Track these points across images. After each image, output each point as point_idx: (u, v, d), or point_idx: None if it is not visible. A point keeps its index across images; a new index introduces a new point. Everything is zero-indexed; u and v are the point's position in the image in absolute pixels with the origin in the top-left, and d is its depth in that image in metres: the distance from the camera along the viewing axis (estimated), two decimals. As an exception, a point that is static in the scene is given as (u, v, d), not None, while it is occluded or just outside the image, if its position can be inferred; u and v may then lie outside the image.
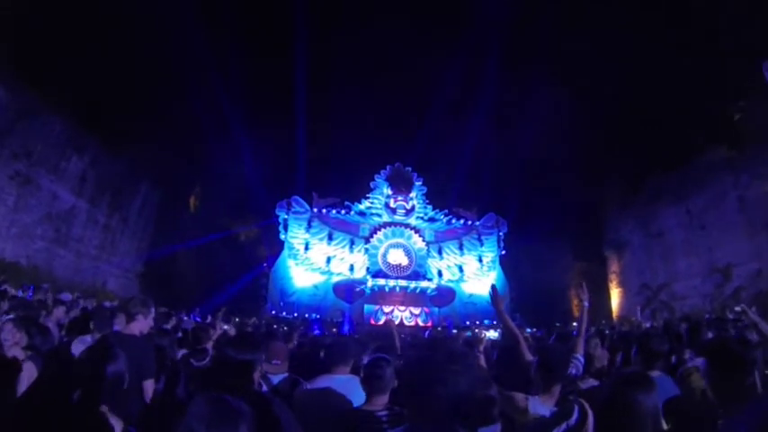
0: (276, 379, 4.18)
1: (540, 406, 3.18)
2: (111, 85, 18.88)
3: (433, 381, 1.86)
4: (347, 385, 3.82)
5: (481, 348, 4.90)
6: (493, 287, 4.83)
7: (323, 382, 3.95)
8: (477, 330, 6.67)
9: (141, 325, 4.60)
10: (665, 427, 2.63)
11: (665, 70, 20.02)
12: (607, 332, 13.03)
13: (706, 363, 2.71)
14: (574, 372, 4.36)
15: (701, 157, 20.78)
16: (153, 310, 4.89)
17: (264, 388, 3.73)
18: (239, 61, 23.60)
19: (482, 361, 4.75)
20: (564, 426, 3.02)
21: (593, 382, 4.66)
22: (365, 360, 3.96)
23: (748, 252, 19.34)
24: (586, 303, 5.00)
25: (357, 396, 3.58)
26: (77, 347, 4.69)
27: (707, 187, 21.11)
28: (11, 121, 16.47)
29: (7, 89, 16.09)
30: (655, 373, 3.69)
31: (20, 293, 12.35)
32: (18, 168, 17.03)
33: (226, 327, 9.07)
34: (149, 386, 4.17)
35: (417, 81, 26.87)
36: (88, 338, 5.23)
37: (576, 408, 3.11)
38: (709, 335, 6.43)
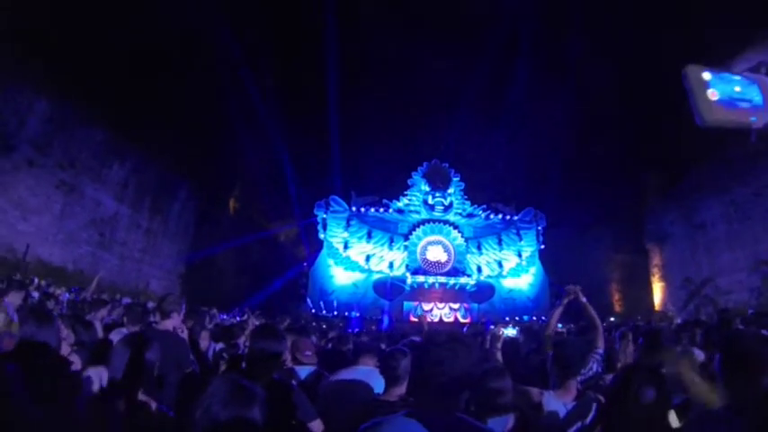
0: (303, 372, 4.40)
1: (555, 401, 3.21)
2: (148, 92, 19.31)
3: (432, 362, 1.95)
4: (369, 376, 3.90)
5: (499, 345, 4.91)
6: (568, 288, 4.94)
7: (346, 374, 4.07)
8: (494, 327, 6.61)
9: (175, 321, 4.78)
10: (676, 423, 2.58)
11: (707, 58, 19.57)
12: (642, 328, 12.75)
13: (720, 358, 2.57)
14: (596, 367, 4.34)
15: (744, 146, 20.22)
16: (184, 307, 5.10)
17: (293, 381, 3.83)
18: (273, 63, 23.93)
19: (499, 356, 4.76)
20: (578, 424, 3.02)
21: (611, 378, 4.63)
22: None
23: None
24: (583, 298, 4.97)
25: (378, 387, 3.66)
26: (115, 337, 4.87)
27: (751, 177, 20.28)
28: (54, 131, 17.05)
29: (50, 101, 16.65)
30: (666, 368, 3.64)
31: (66, 296, 12.81)
32: (63, 177, 17.68)
33: (257, 323, 9.27)
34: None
35: (450, 78, 26.77)
36: (124, 330, 5.44)
37: (595, 405, 3.10)
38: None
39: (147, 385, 2.74)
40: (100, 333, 6.55)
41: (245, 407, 1.92)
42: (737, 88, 0.89)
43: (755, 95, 0.91)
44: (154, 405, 2.69)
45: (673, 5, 19.31)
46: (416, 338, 6.65)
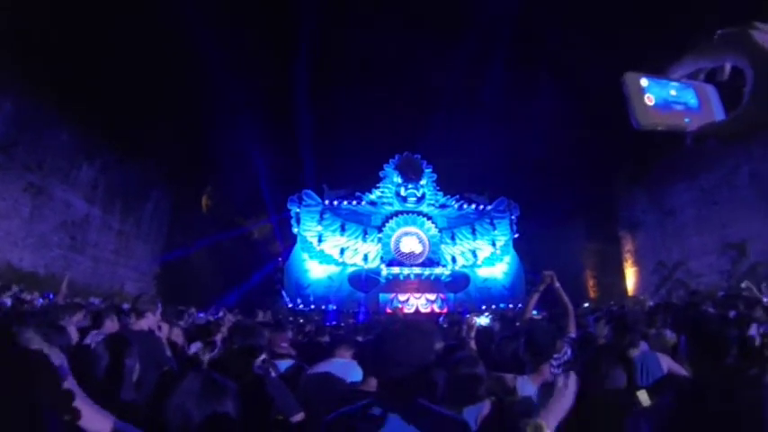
0: (283, 365, 4.47)
1: (529, 385, 3.28)
2: (116, 90, 19.01)
3: (387, 352, 1.98)
4: (345, 368, 3.99)
5: (472, 334, 5.01)
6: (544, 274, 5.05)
7: (323, 366, 4.12)
8: (468, 316, 6.70)
9: (150, 321, 4.80)
10: (646, 402, 2.61)
11: (681, 42, 19.83)
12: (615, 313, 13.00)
13: (685, 340, 2.74)
14: (569, 352, 4.46)
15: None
16: (160, 306, 5.10)
17: (273, 374, 3.89)
18: (245, 57, 23.66)
19: (472, 345, 4.86)
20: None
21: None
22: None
23: (762, 227, 19.08)
24: (557, 283, 5.10)
25: (355, 378, 3.71)
26: (91, 340, 4.87)
27: (718, 162, 20.81)
28: (18, 132, 16.68)
29: (12, 102, 16.30)
30: (637, 350, 3.76)
31: (40, 301, 12.68)
32: (31, 180, 17.26)
33: (234, 320, 9.35)
34: None
35: (425, 68, 26.74)
36: (95, 332, 5.43)
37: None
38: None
39: (126, 389, 2.75)
40: (75, 337, 6.55)
41: (217, 401, 1.92)
42: (673, 92, 0.96)
43: (691, 98, 0.97)
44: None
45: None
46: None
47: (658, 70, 1.08)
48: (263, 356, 3.56)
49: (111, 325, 5.70)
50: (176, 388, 1.97)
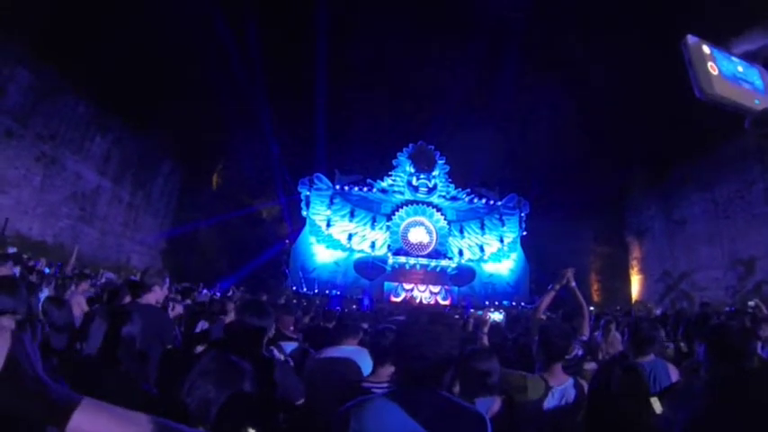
0: (289, 347, 4.43)
1: (541, 385, 3.24)
2: (132, 63, 18.97)
3: (412, 344, 1.94)
4: (356, 355, 3.95)
5: (485, 330, 4.96)
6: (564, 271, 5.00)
7: (330, 352, 4.07)
8: (482, 311, 6.64)
9: (157, 295, 4.75)
10: (659, 410, 2.65)
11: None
12: (620, 318, 12.94)
13: (705, 349, 2.72)
14: (580, 353, 4.42)
15: (729, 144, 20.30)
16: (168, 281, 5.05)
17: (278, 355, 3.84)
18: (261, 39, 23.57)
19: (485, 340, 4.81)
20: (561, 404, 3.11)
21: (594, 364, 4.72)
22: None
23: None
24: (573, 283, 5.03)
25: (365, 365, 3.72)
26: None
27: (733, 176, 20.57)
28: (34, 102, 16.73)
29: (30, 70, 16.33)
30: (648, 358, 3.71)
31: (47, 270, 12.72)
32: (43, 149, 17.37)
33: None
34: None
35: (442, 61, 26.65)
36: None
37: (575, 390, 3.19)
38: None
39: (127, 360, 2.70)
40: (84, 307, 6.56)
41: (236, 383, 1.89)
42: (740, 68, 0.88)
43: (756, 79, 0.90)
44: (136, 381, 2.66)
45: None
46: (402, 318, 6.70)
47: (720, 43, 0.99)
48: (271, 337, 3.53)
49: (126, 299, 5.69)
50: (193, 369, 1.93)
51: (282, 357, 3.86)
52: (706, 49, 0.89)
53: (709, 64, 0.89)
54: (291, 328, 4.54)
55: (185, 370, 1.95)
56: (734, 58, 0.92)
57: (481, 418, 1.95)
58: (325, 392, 3.38)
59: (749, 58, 1.00)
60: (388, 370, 3.19)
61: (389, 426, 1.83)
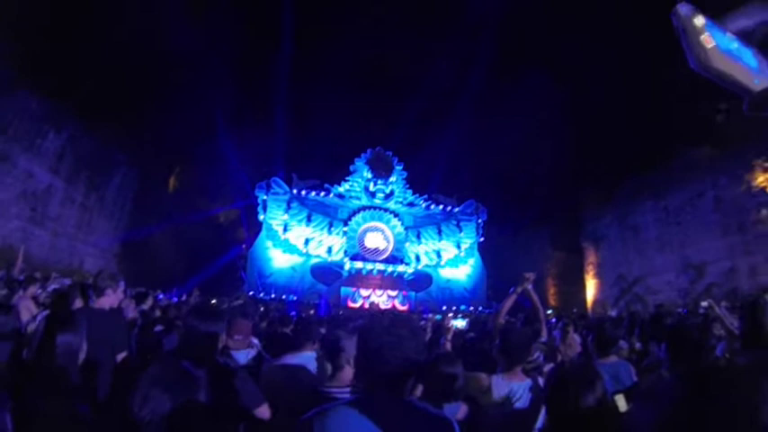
0: (239, 355, 4.34)
1: (503, 384, 3.32)
2: (89, 59, 18.56)
3: (375, 348, 1.89)
4: (312, 362, 3.95)
5: (449, 336, 5.03)
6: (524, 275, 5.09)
7: (289, 359, 4.05)
8: (445, 318, 6.67)
9: (111, 300, 4.66)
10: (624, 408, 2.66)
11: (651, 70, 20.16)
12: (576, 320, 13.21)
13: (665, 347, 2.86)
14: (538, 356, 4.53)
15: (682, 156, 20.99)
16: (122, 284, 4.98)
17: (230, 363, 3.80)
18: (222, 42, 23.39)
19: (448, 346, 4.87)
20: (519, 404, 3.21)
21: (553, 366, 4.83)
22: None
23: (721, 250, 19.72)
24: (530, 285, 5.17)
25: (323, 372, 3.71)
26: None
27: (685, 186, 21.39)
28: (-17, 96, 16.21)
29: (-20, 64, 15.84)
30: (611, 359, 3.82)
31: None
32: (-7, 146, 16.81)
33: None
34: (122, 358, 4.21)
35: (402, 66, 26.77)
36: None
37: (531, 383, 3.29)
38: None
39: (71, 372, 2.49)
40: (33, 311, 6.42)
41: (188, 393, 1.85)
42: (735, 45, 0.88)
43: (750, 59, 0.91)
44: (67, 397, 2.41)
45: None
46: (361, 321, 6.72)
47: (714, 16, 1.00)
48: (223, 345, 3.47)
49: (78, 304, 5.54)
50: (142, 377, 1.89)
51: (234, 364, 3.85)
52: (699, 19, 0.89)
53: (704, 36, 0.89)
54: (238, 336, 4.41)
55: (138, 380, 1.90)
56: (728, 34, 0.93)
57: (449, 423, 1.91)
58: (285, 400, 3.36)
59: (743, 36, 1.00)
60: (348, 374, 3.19)
61: None
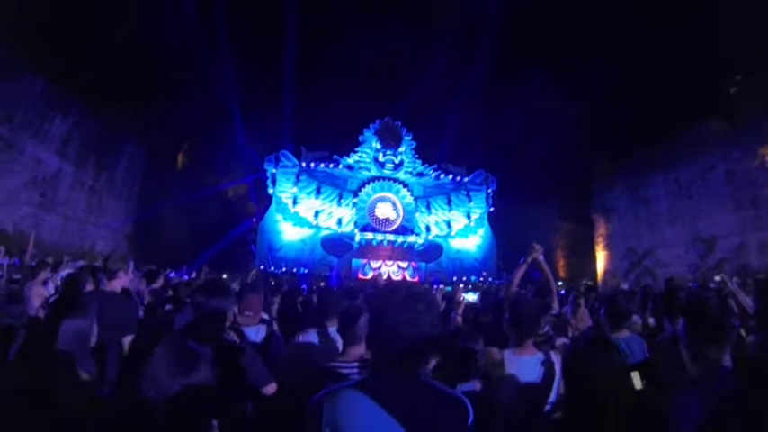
0: (250, 331, 4.21)
1: (515, 359, 3.27)
2: (92, 42, 18.43)
3: (389, 326, 1.82)
4: (336, 337, 3.81)
5: (460, 311, 4.99)
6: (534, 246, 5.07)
7: (311, 336, 4.01)
8: (456, 291, 6.54)
9: (122, 281, 4.69)
10: (638, 385, 2.63)
11: (663, 41, 19.87)
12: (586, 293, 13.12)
13: (684, 323, 2.78)
14: (548, 328, 4.51)
15: (693, 128, 20.75)
16: (132, 265, 4.99)
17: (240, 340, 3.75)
18: (227, 15, 23.23)
19: (459, 320, 4.82)
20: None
21: (564, 340, 4.80)
22: None
23: (733, 225, 19.62)
24: (541, 257, 5.13)
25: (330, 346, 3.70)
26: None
27: (697, 158, 21.21)
28: (-11, 84, 16.19)
29: (-16, 50, 15.80)
30: (623, 333, 3.78)
31: (6, 261, 12.35)
32: (0, 133, 16.84)
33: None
34: (126, 342, 4.23)
35: (410, 37, 26.50)
36: None
37: (543, 356, 3.27)
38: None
39: (82, 357, 2.52)
40: (45, 295, 6.46)
41: (192, 372, 1.81)
42: None
43: None
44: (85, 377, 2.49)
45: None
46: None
47: None
48: (232, 321, 3.42)
49: (89, 287, 5.53)
50: (150, 358, 1.88)
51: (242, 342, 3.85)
52: None
53: None
54: (249, 312, 4.36)
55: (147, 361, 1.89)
56: None
57: (463, 404, 1.83)
58: (300, 377, 3.25)
59: None
60: (359, 349, 3.16)
61: (363, 418, 1.71)
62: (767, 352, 2.85)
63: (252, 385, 3.11)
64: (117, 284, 4.61)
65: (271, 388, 3.20)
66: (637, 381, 2.60)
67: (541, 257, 5.13)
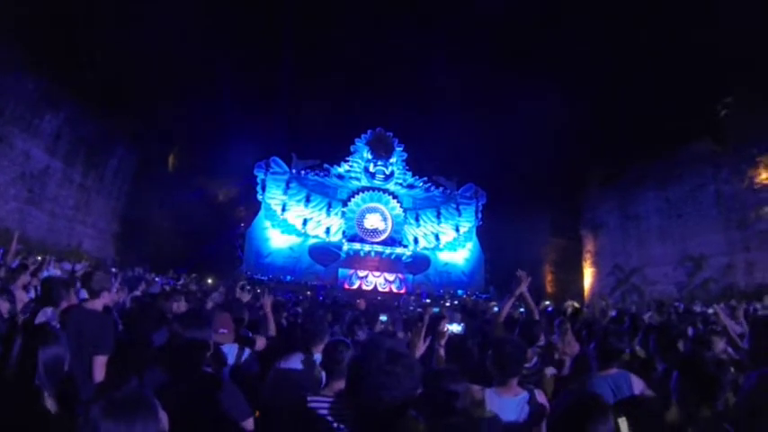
0: (227, 348, 4.27)
1: (497, 399, 3.20)
2: (86, 38, 18.39)
3: (372, 386, 1.88)
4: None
5: (442, 342, 4.97)
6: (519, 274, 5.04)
7: (295, 362, 3.95)
8: (440, 321, 6.46)
9: (105, 300, 4.64)
10: (625, 428, 2.62)
11: (655, 62, 20.05)
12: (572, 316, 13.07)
13: (677, 378, 2.76)
14: (536, 360, 4.48)
15: (685, 148, 20.90)
16: (116, 283, 4.93)
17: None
18: (222, 18, 23.20)
19: (441, 353, 4.81)
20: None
21: (552, 370, 4.76)
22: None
23: (721, 245, 19.74)
24: (525, 289, 5.14)
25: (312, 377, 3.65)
26: (41, 319, 4.71)
27: (687, 178, 21.39)
28: (-21, 77, 16.07)
29: (-24, 43, 15.66)
30: (612, 371, 3.73)
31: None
32: (-11, 127, 16.69)
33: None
34: (100, 363, 4.08)
35: (406, 47, 26.55)
36: (49, 311, 5.20)
37: (527, 396, 3.24)
38: (680, 343, 6.39)
39: (53, 383, 2.44)
40: (24, 299, 6.33)
41: (125, 422, 1.62)
42: None
43: None
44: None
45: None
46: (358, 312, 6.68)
47: None
48: (211, 352, 3.38)
49: (64, 305, 5.43)
50: (92, 402, 1.78)
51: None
52: None
53: None
54: (224, 330, 4.33)
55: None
56: None
57: None
58: (286, 404, 3.26)
59: None
60: (339, 384, 3.09)
61: None
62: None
63: (231, 420, 3.06)
64: (99, 303, 4.54)
65: (249, 424, 3.14)
66: (624, 427, 2.59)
67: (525, 289, 5.13)
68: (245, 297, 7.82)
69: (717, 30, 17.42)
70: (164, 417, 1.76)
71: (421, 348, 4.21)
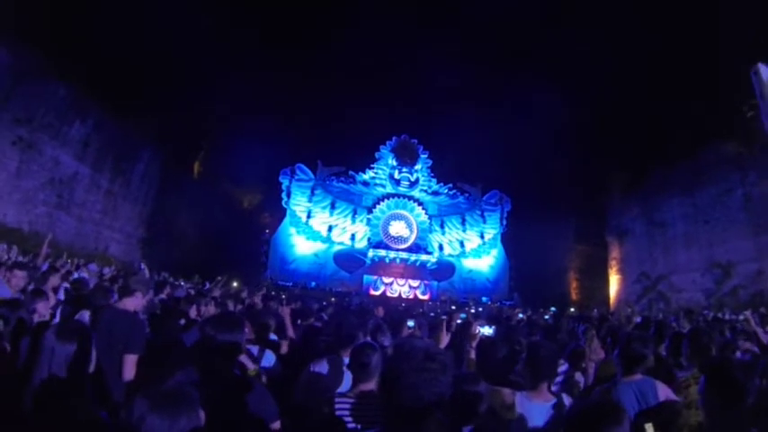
0: (254, 348, 4.38)
1: (528, 402, 3.19)
2: (116, 47, 18.62)
3: (406, 385, 1.82)
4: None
5: (473, 344, 4.88)
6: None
7: (323, 366, 3.92)
8: (472, 320, 6.41)
9: (137, 302, 4.59)
10: None
11: (683, 63, 19.78)
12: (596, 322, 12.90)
13: (705, 381, 2.74)
14: (566, 365, 4.40)
15: (710, 151, 20.52)
16: (151, 292, 4.90)
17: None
18: (247, 28, 23.35)
19: (472, 355, 4.73)
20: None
21: (580, 376, 4.69)
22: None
23: (750, 251, 19.22)
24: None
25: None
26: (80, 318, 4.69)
27: (714, 182, 20.90)
28: (12, 84, 16.32)
29: (9, 52, 15.91)
30: (636, 377, 3.64)
31: (19, 259, 12.32)
32: (20, 134, 16.91)
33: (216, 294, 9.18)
34: (130, 361, 4.08)
35: (431, 56, 26.55)
36: (86, 314, 5.17)
37: (555, 401, 3.16)
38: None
39: (79, 378, 2.51)
40: (53, 300, 6.32)
41: (177, 416, 1.71)
42: None
43: None
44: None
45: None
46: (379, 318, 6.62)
47: None
48: (242, 356, 3.39)
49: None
50: (137, 396, 1.77)
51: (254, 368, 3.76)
52: None
53: None
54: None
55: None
56: None
57: None
58: (316, 407, 3.26)
59: None
60: (368, 386, 3.12)
61: None
62: None
63: (260, 421, 3.01)
64: (130, 303, 4.49)
65: (276, 425, 3.09)
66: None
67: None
68: (257, 300, 7.83)
69: (743, 28, 17.14)
70: (202, 414, 1.82)
71: (444, 340, 4.22)
